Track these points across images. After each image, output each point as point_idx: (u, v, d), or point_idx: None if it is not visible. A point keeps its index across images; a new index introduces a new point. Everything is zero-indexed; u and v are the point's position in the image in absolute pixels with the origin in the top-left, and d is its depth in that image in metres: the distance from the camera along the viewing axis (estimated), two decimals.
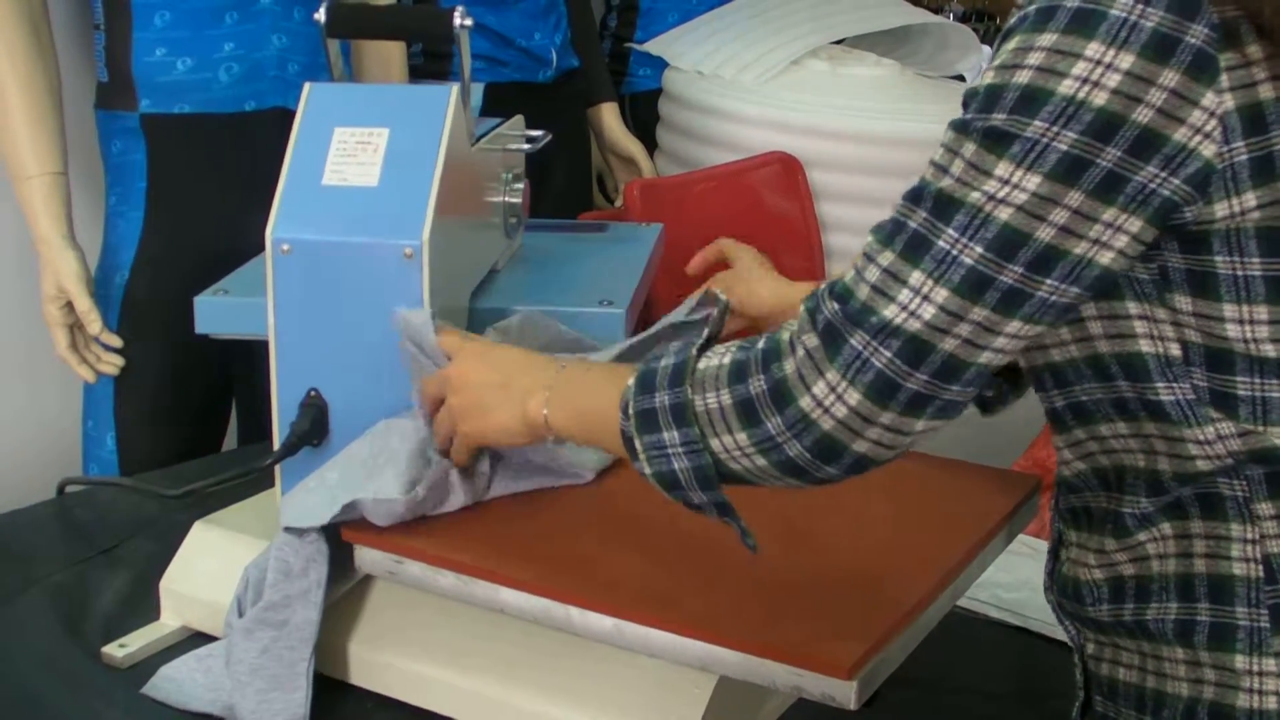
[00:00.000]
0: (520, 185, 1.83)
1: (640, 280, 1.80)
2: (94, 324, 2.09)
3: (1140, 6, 1.09)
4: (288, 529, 1.42)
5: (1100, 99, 1.09)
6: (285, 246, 1.48)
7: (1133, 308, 1.18)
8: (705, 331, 1.27)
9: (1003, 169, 1.11)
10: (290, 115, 1.56)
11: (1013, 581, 1.74)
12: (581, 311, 1.69)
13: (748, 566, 1.29)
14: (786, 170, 2.76)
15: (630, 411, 1.24)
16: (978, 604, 1.73)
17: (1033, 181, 1.10)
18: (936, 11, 4.00)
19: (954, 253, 1.12)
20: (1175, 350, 1.18)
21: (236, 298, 1.67)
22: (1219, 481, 1.20)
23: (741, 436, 1.18)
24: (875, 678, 1.23)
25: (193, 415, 2.25)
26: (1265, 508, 1.19)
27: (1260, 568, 1.20)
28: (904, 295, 1.12)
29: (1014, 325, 1.13)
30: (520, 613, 1.31)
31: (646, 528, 1.41)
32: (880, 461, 1.17)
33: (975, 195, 1.12)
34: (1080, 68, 1.10)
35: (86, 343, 2.14)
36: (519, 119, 1.89)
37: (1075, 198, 1.10)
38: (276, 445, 1.52)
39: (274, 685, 1.40)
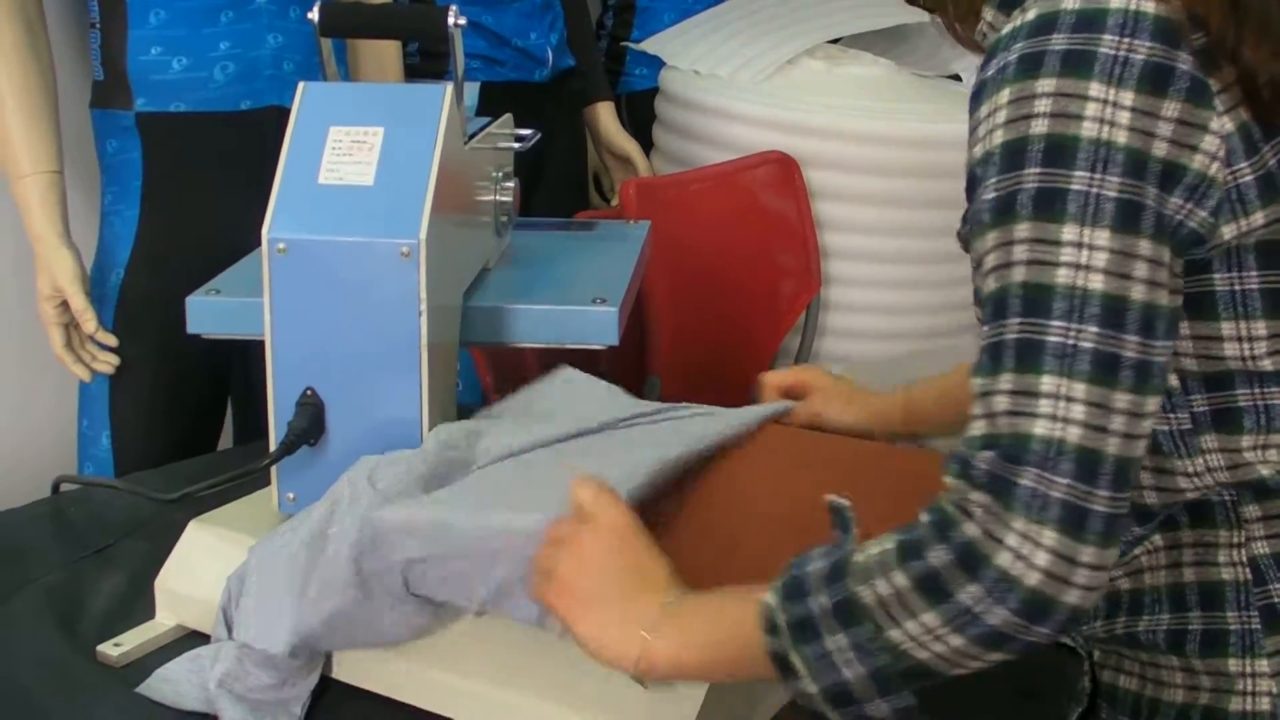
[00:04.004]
0: (511, 184, 1.83)
1: (631, 278, 1.80)
2: (89, 323, 2.09)
3: (1127, 40, 1.08)
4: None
5: (1122, 138, 1.07)
6: (281, 246, 1.48)
7: None
8: (840, 534, 1.17)
9: (1070, 232, 1.06)
10: (286, 114, 1.56)
11: None
12: (575, 309, 1.69)
13: (746, 567, 1.29)
14: (783, 169, 2.76)
15: (780, 623, 1.12)
16: None
17: (1103, 237, 1.06)
18: (931, 11, 4.00)
19: (1070, 342, 1.06)
20: (1173, 381, 1.17)
21: (228, 298, 1.67)
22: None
23: (929, 617, 1.07)
24: None
25: (188, 414, 2.25)
26: (1251, 510, 1.19)
27: (1248, 570, 1.19)
28: (1045, 406, 1.05)
29: (1150, 401, 1.08)
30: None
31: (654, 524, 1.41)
32: (1084, 612, 1.07)
33: (1061, 273, 1.06)
34: (1093, 109, 1.07)
35: (82, 341, 2.14)
36: (508, 117, 1.89)
37: (1145, 246, 1.07)
38: (273, 445, 1.52)
39: (269, 706, 1.40)
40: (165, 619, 1.55)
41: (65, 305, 2.09)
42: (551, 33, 2.90)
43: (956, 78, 3.18)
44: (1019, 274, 1.08)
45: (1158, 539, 1.22)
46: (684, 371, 2.58)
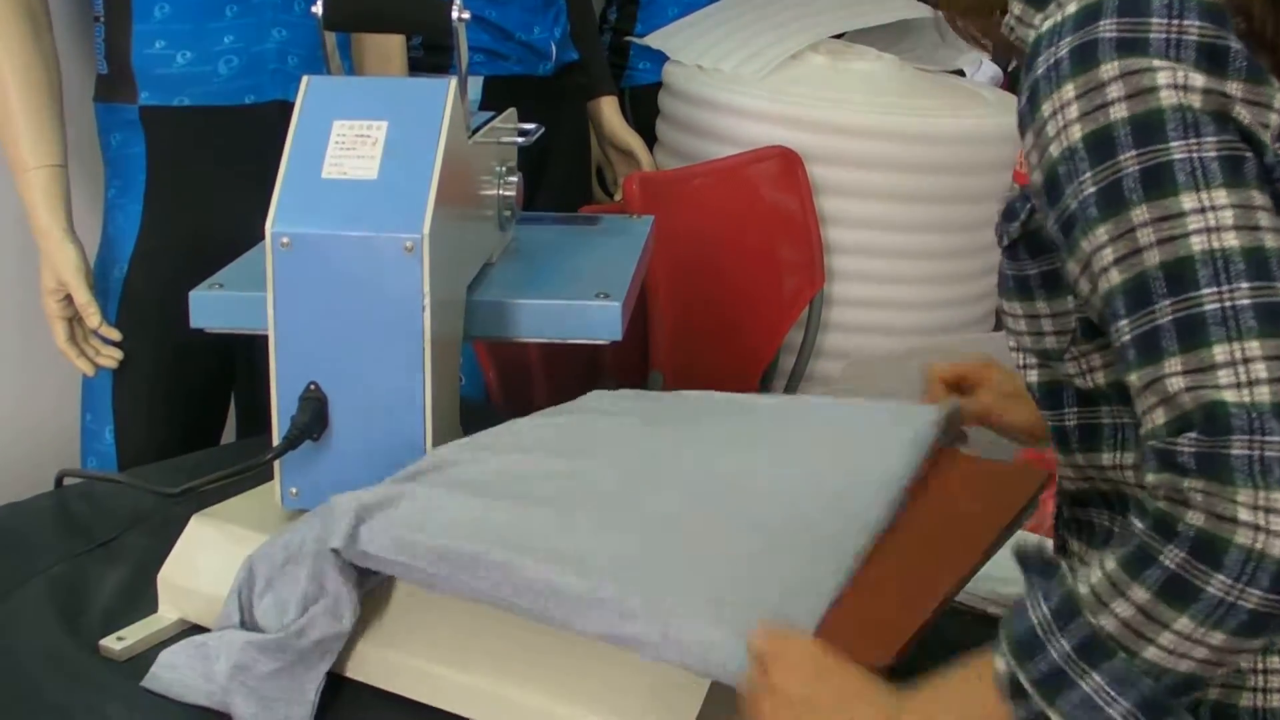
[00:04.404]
0: (514, 178, 1.83)
1: (635, 273, 1.80)
2: (93, 317, 2.09)
3: (1176, 21, 1.08)
4: (333, 550, 1.39)
5: (1197, 102, 1.07)
6: (285, 240, 1.48)
7: None
8: (1042, 580, 1.11)
9: (1189, 201, 1.05)
10: (290, 108, 1.56)
11: (1011, 576, 1.74)
12: (578, 304, 1.69)
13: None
14: (786, 164, 2.77)
15: (1025, 685, 1.06)
16: (975, 598, 1.73)
17: (1221, 196, 1.05)
18: (934, 5, 3.99)
19: (1228, 304, 1.03)
20: None
21: (231, 292, 1.68)
22: None
23: (1183, 623, 1.01)
24: None
25: (191, 408, 2.25)
26: None
27: None
28: (1226, 374, 1.02)
29: None
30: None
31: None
32: None
33: (1196, 242, 1.04)
34: (1164, 77, 1.07)
35: (85, 335, 2.14)
36: (512, 112, 1.89)
37: (1257, 196, 1.06)
38: (276, 439, 1.52)
39: (280, 694, 1.40)
40: (168, 613, 1.55)
41: (69, 299, 2.09)
42: (555, 27, 2.89)
43: (960, 73, 3.18)
44: (1153, 257, 1.06)
45: None
46: (687, 366, 2.59)
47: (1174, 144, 1.06)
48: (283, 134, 1.53)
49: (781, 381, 2.86)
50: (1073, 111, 1.10)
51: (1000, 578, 1.72)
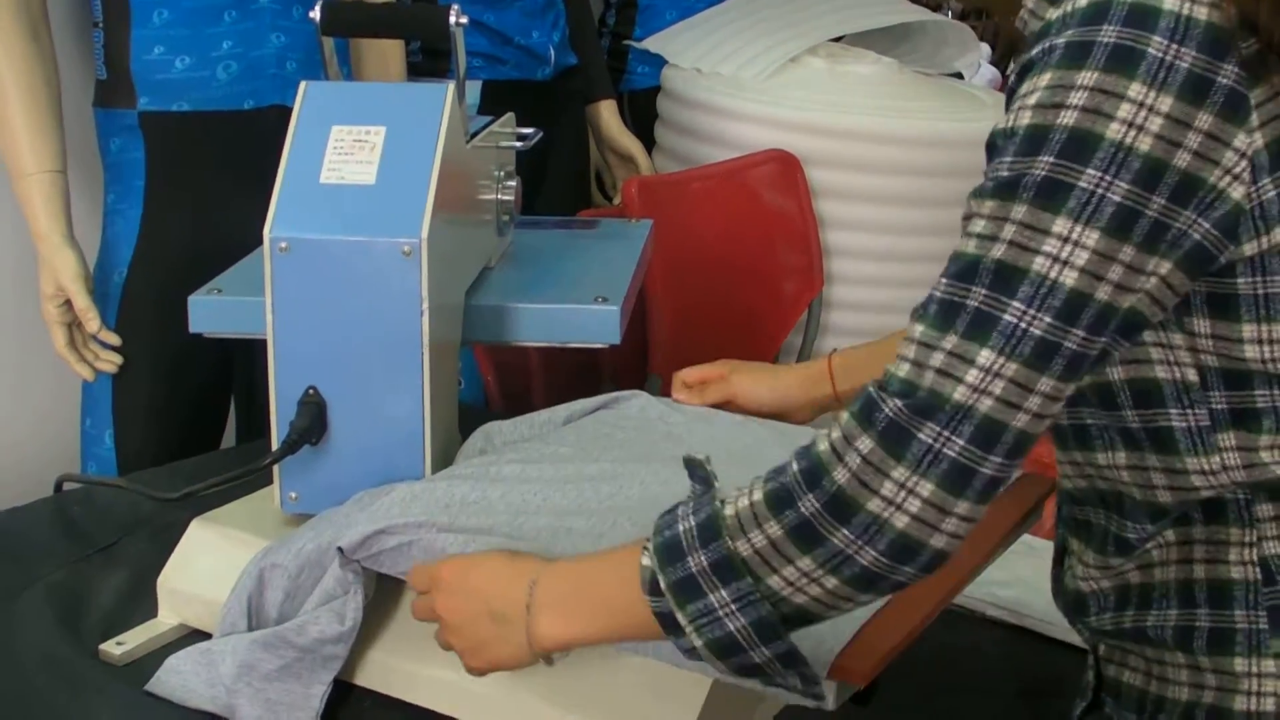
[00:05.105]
0: (513, 183, 1.83)
1: (633, 276, 1.80)
2: (92, 322, 2.09)
3: (1175, 46, 1.07)
4: (339, 550, 1.41)
5: (1145, 144, 1.07)
6: (283, 245, 1.48)
7: (1148, 335, 1.16)
8: (701, 489, 1.19)
9: (1061, 225, 1.07)
10: (288, 113, 1.56)
11: (1009, 579, 1.74)
12: (577, 308, 1.69)
13: None
14: (785, 168, 2.77)
15: (662, 586, 1.15)
16: (974, 601, 1.73)
17: (1091, 238, 1.07)
18: (934, 9, 4.00)
19: (1023, 325, 1.07)
20: (1192, 375, 1.17)
21: (230, 297, 1.68)
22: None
23: (805, 562, 1.10)
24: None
25: (191, 412, 2.25)
26: (1265, 509, 1.19)
27: (1258, 570, 1.19)
28: (972, 376, 1.07)
29: (1069, 388, 1.10)
30: None
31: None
32: (950, 556, 1.11)
33: (1038, 261, 1.07)
34: (1125, 110, 1.07)
35: (85, 341, 2.14)
36: (510, 116, 1.89)
37: (1128, 252, 1.08)
38: (275, 444, 1.52)
39: (285, 697, 1.40)
40: (167, 618, 1.55)
41: (68, 304, 2.09)
42: (554, 31, 2.90)
43: (959, 76, 3.18)
44: (999, 250, 1.09)
45: (1170, 534, 1.22)
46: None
47: (1088, 171, 1.07)
48: (281, 139, 1.53)
49: None
50: (1033, 99, 1.11)
51: (1000, 580, 1.73)
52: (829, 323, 2.85)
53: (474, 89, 1.81)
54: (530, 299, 1.71)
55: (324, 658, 1.41)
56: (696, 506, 1.16)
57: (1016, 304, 1.08)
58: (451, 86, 1.58)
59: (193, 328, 1.68)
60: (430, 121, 1.54)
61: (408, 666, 1.43)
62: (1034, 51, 1.14)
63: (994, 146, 1.15)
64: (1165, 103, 1.07)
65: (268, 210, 1.49)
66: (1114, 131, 1.07)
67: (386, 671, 1.44)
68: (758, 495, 1.13)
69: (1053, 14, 1.15)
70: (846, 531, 1.08)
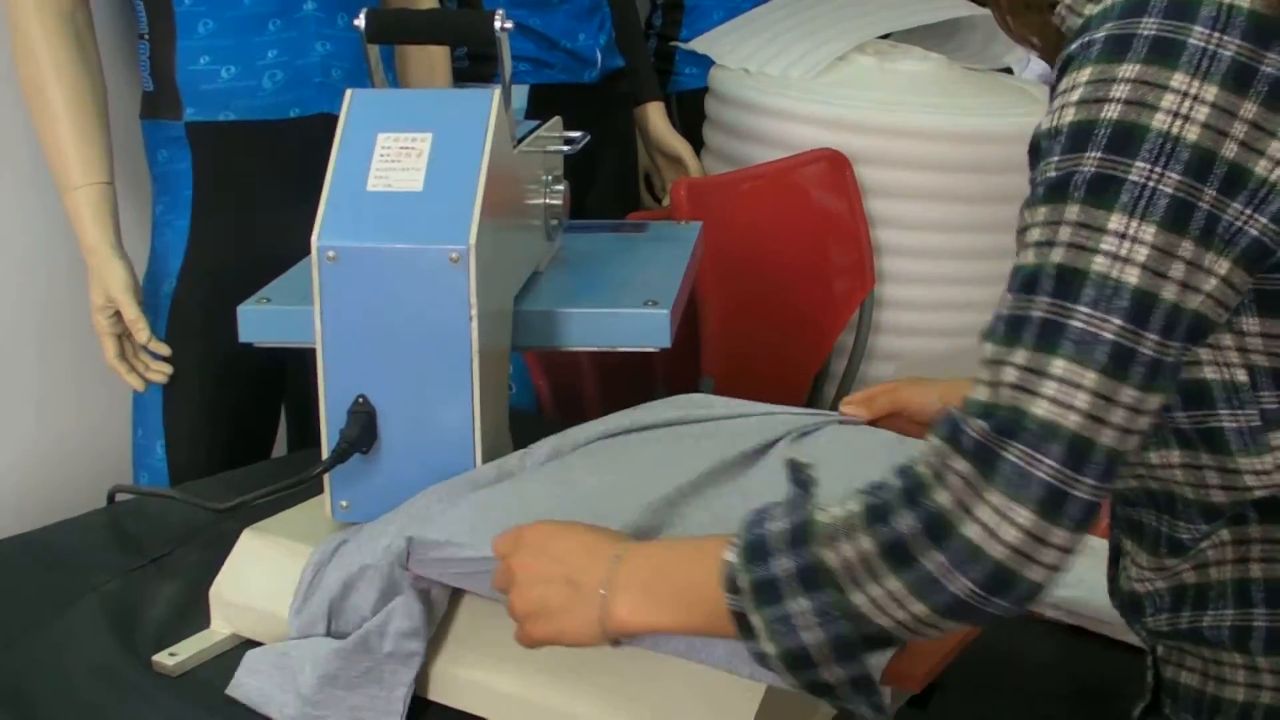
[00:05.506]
0: (560, 187, 1.82)
1: (683, 280, 1.79)
2: (142, 332, 2.09)
3: (1218, 35, 1.06)
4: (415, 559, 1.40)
5: (1193, 134, 1.05)
6: (331, 253, 1.48)
7: None
8: (798, 492, 1.19)
9: (1116, 222, 1.05)
10: (334, 121, 1.56)
11: (1068, 579, 1.72)
12: (627, 313, 1.68)
13: None
14: (834, 167, 2.76)
15: (742, 585, 1.12)
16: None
17: (1149, 233, 1.04)
18: (982, 4, 3.97)
19: (1092, 330, 1.04)
20: (1242, 376, 1.15)
21: (279, 306, 1.68)
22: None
23: (893, 583, 1.06)
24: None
25: (241, 421, 2.26)
26: None
27: None
28: (1050, 388, 1.04)
29: (1153, 400, 1.06)
30: None
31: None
32: (1045, 591, 1.06)
33: (1099, 261, 1.05)
34: (1169, 100, 1.05)
35: (135, 351, 2.15)
36: (557, 120, 1.89)
37: (1188, 248, 1.05)
38: (325, 453, 1.52)
39: (369, 703, 1.40)
40: (220, 628, 1.56)
41: (118, 315, 2.09)
42: (600, 34, 2.89)
43: (1009, 71, 3.17)
44: (1058, 255, 1.06)
45: (1225, 534, 1.21)
46: (738, 371, 2.58)
47: (1137, 164, 1.05)
48: (328, 147, 1.53)
49: (833, 385, 2.85)
50: (1076, 95, 1.09)
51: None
52: (881, 321, 2.84)
53: (520, 93, 1.81)
54: (580, 304, 1.70)
55: (405, 655, 1.40)
56: (791, 508, 1.13)
57: (1083, 309, 1.05)
58: (498, 91, 1.57)
59: (242, 338, 1.68)
60: (477, 127, 1.54)
61: (451, 670, 1.43)
62: (1073, 47, 1.12)
63: (1038, 149, 1.13)
64: (1210, 91, 1.05)
65: (315, 218, 1.48)
66: (1160, 122, 1.05)
67: (430, 676, 1.44)
68: (855, 506, 1.09)
69: (1091, 9, 1.14)
70: (941, 556, 1.04)
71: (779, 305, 2.77)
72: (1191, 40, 1.06)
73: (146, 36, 2.14)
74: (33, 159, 2.15)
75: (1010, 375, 1.06)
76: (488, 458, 1.53)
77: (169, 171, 2.18)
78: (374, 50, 1.70)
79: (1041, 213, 1.09)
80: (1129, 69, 1.07)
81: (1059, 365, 1.04)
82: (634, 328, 1.68)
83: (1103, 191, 1.06)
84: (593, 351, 1.79)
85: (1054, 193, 1.08)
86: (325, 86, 2.17)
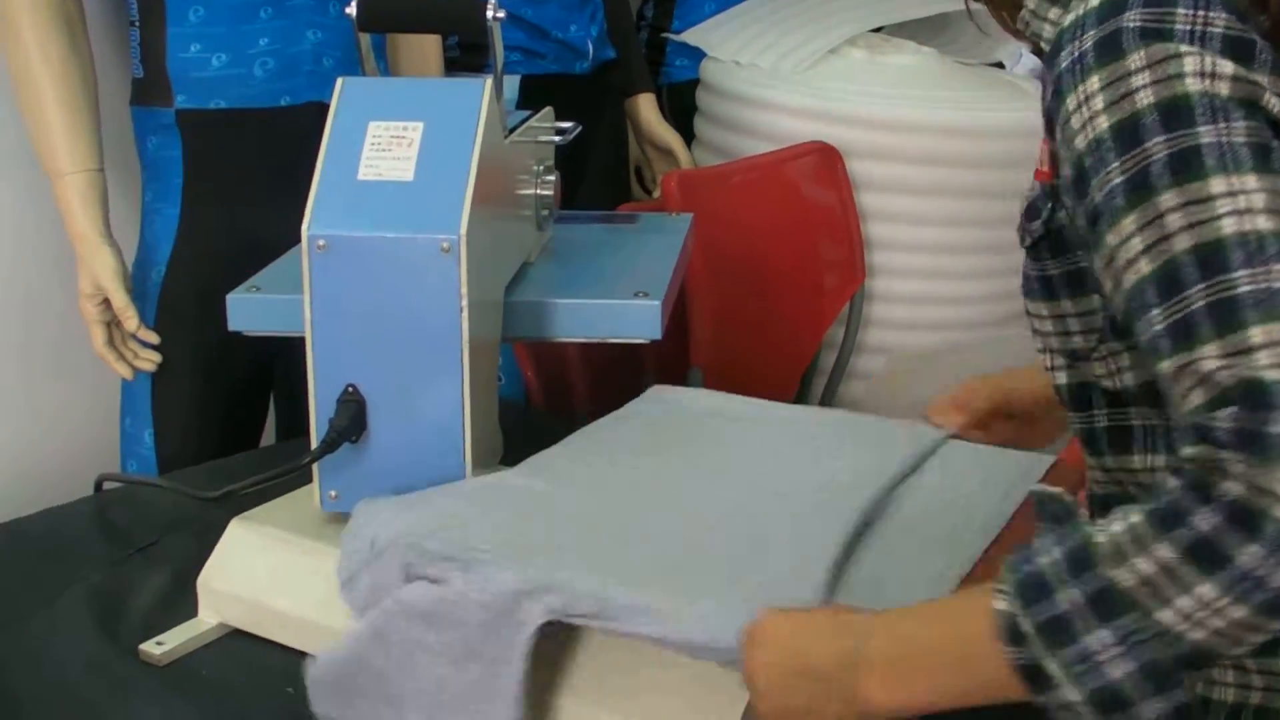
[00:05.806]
0: (551, 178, 1.82)
1: (674, 271, 1.79)
2: (131, 320, 2.09)
3: (1202, 13, 1.06)
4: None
5: (1224, 89, 1.05)
6: (321, 242, 1.47)
7: None
8: (1057, 524, 1.09)
9: (1218, 185, 1.02)
10: (325, 110, 1.55)
11: None
12: (617, 304, 1.68)
13: None
14: (825, 160, 2.75)
15: (1025, 630, 1.02)
16: None
17: (1251, 181, 1.02)
18: None
19: (1262, 285, 0.99)
20: None
21: (269, 295, 1.68)
22: None
23: (1205, 589, 0.96)
24: None
25: (231, 410, 2.25)
26: None
27: None
28: (1265, 355, 0.98)
29: None
30: None
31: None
32: None
33: (1226, 224, 1.01)
34: (1190, 63, 1.05)
35: (124, 339, 2.14)
36: (549, 111, 1.89)
37: None
38: (314, 442, 1.51)
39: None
40: (208, 617, 1.55)
41: (107, 303, 2.09)
42: (592, 24, 2.89)
43: (1000, 65, 3.16)
44: (1183, 241, 1.03)
45: None
46: (727, 363, 2.58)
47: (1202, 128, 1.04)
48: (318, 136, 1.53)
49: (822, 379, 2.85)
50: (1099, 102, 1.08)
51: None
52: (871, 315, 2.84)
53: (512, 84, 1.80)
54: (570, 295, 1.70)
55: (509, 660, 1.28)
56: (1059, 539, 1.03)
57: (1241, 273, 1.00)
58: (489, 81, 1.57)
59: (231, 326, 1.68)
60: (468, 117, 1.53)
61: None
62: (1063, 64, 1.12)
63: (1082, 171, 1.10)
64: (1219, 61, 1.06)
65: (305, 207, 1.48)
66: (1194, 85, 1.05)
67: None
68: (1136, 517, 1.00)
69: (1059, 15, 1.13)
70: (1256, 546, 0.95)
71: (769, 297, 2.76)
72: (1178, 25, 1.07)
73: (137, 23, 2.13)
74: (20, 145, 2.14)
75: (1214, 364, 1.00)
76: (477, 449, 1.53)
77: (159, 159, 2.17)
78: (365, 39, 1.70)
79: (1128, 222, 1.06)
80: (1135, 58, 1.07)
81: (1256, 333, 0.99)
82: (625, 319, 1.67)
83: (1187, 166, 1.04)
84: (582, 343, 1.78)
85: (1135, 194, 1.06)
86: (316, 75, 2.16)
